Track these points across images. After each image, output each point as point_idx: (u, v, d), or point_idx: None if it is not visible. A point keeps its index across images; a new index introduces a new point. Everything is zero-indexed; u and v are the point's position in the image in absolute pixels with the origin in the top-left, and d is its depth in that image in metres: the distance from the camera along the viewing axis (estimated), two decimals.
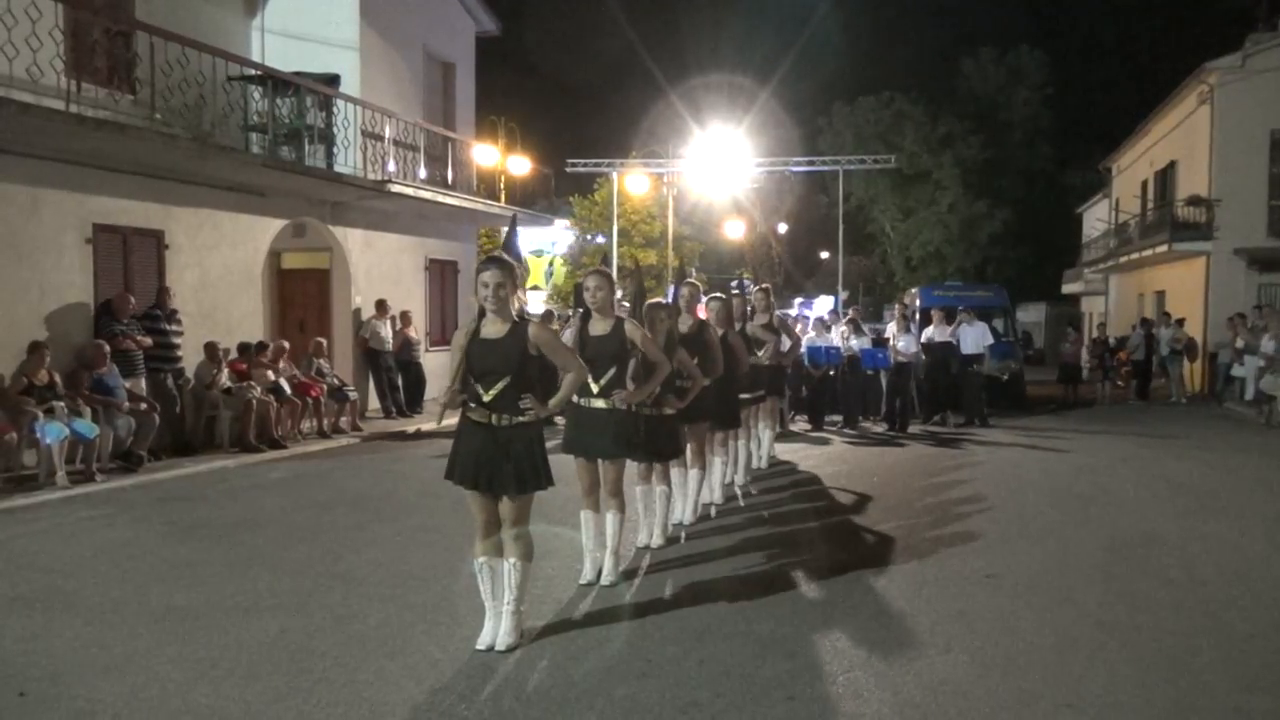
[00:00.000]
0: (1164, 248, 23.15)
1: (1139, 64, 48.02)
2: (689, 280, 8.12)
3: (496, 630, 4.66)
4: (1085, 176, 39.46)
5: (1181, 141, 24.42)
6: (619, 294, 6.51)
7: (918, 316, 16.52)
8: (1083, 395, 19.51)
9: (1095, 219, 35.60)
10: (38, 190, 10.09)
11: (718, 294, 8.38)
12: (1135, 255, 26.24)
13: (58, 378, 9.54)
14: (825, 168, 32.28)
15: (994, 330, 15.88)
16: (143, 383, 10.62)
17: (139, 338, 10.62)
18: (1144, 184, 28.49)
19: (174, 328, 11.22)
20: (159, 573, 6.15)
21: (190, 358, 11.50)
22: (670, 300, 7.04)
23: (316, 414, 12.72)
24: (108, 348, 10.07)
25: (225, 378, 11.55)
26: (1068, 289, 38.88)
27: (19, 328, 9.74)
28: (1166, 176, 25.87)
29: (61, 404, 9.21)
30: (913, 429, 13.88)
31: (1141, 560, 6.52)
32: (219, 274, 12.54)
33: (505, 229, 15.47)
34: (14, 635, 4.94)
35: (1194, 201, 22.58)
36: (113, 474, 9.53)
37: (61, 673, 4.42)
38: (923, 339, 14.68)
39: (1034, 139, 47.55)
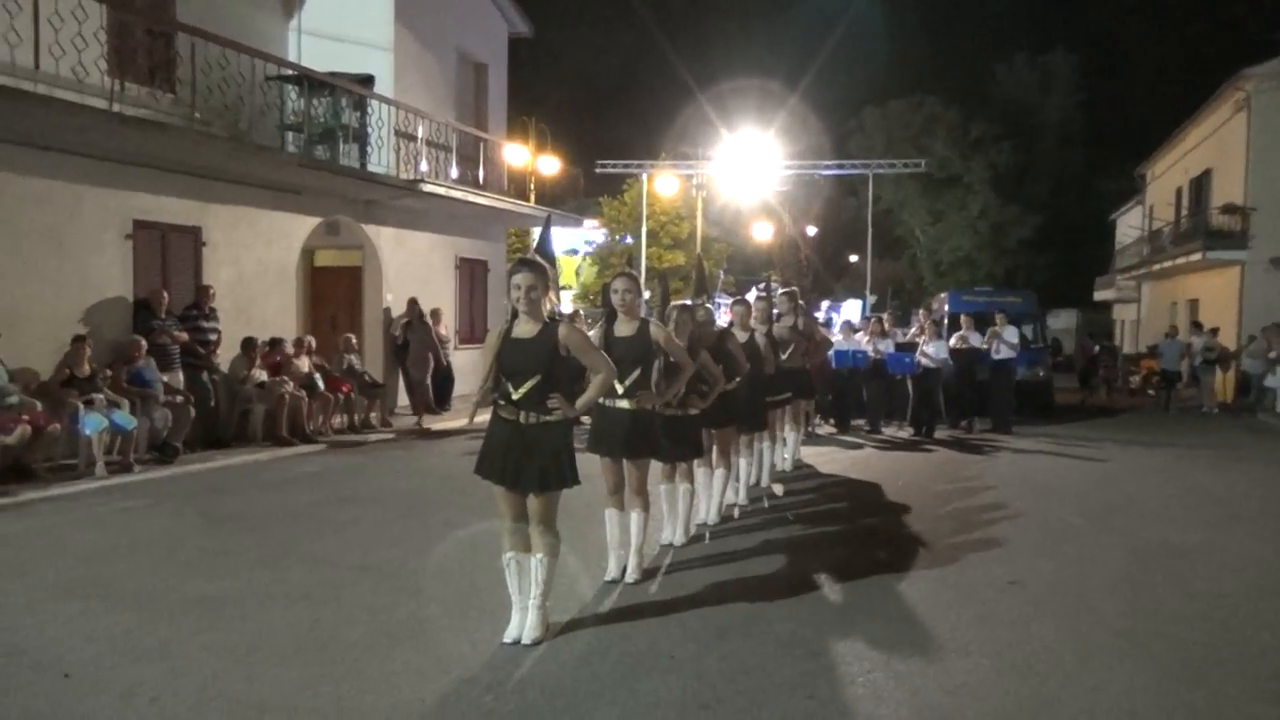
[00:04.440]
0: (1197, 256, 22.91)
1: (1174, 69, 47.40)
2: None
3: (523, 624, 4.76)
4: (1118, 183, 39.08)
5: (1217, 148, 24.15)
6: (646, 295, 6.60)
7: (946, 322, 16.44)
8: (1110, 402, 19.37)
9: (1128, 225, 35.25)
10: (80, 187, 10.32)
11: (742, 297, 8.44)
12: (1168, 263, 25.98)
13: (99, 370, 9.75)
14: (854, 171, 32.15)
15: (1023, 336, 15.76)
16: (179, 376, 10.85)
17: (176, 333, 10.85)
18: (1178, 191, 28.18)
19: (210, 324, 11.44)
20: (194, 562, 6.31)
21: (225, 352, 11.71)
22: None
23: (347, 409, 12.90)
24: (144, 342, 10.30)
25: (258, 372, 11.73)
26: (1100, 296, 38.51)
27: (61, 321, 9.97)
28: (1201, 184, 25.59)
29: (101, 396, 9.42)
30: (938, 434, 13.84)
31: (1165, 570, 6.51)
32: (254, 270, 12.75)
33: (537, 229, 15.62)
34: (58, 620, 5.10)
35: (1229, 210, 22.35)
36: (149, 465, 9.75)
37: (102, 656, 4.57)
38: (952, 343, 14.60)
39: (1066, 144, 47.09)
